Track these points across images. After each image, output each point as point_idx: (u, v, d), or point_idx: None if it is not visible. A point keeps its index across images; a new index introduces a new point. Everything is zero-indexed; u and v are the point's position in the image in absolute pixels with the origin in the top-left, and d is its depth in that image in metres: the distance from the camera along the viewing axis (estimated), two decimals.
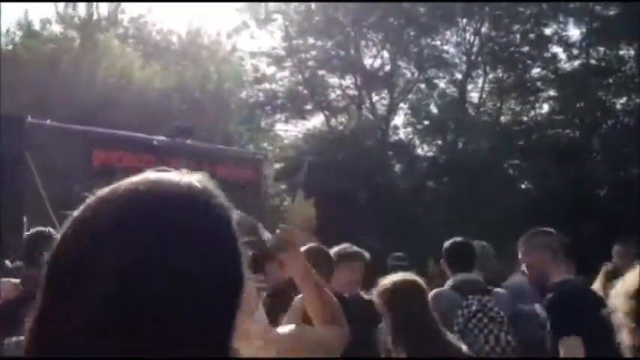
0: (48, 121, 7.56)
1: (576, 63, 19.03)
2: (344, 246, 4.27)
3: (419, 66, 20.22)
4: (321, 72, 20.68)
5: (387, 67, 20.69)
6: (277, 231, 2.05)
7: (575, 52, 19.08)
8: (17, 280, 3.87)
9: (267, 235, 4.19)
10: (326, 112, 20.95)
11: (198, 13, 35.93)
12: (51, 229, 3.86)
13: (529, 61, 19.51)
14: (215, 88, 16.32)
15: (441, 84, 20.71)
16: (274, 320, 2.12)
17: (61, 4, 13.90)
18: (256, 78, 20.90)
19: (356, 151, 18.36)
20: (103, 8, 14.63)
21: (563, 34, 19.09)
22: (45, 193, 6.95)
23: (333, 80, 21.09)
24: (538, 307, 4.02)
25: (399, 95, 20.81)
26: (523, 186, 18.89)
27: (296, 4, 20.10)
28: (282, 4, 20.09)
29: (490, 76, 20.24)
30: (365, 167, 18.68)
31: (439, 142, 19.98)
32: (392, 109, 20.64)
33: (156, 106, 13.24)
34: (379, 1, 18.06)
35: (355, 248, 4.28)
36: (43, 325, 0.76)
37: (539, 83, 19.66)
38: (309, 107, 21.20)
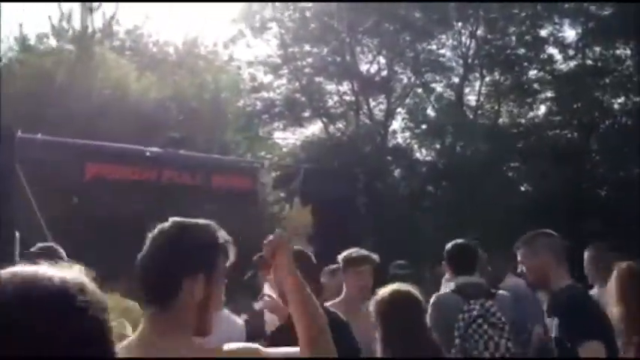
0: (39, 135, 7.56)
1: (572, 64, 19.02)
2: (351, 250, 4.19)
3: (415, 70, 20.24)
4: (317, 79, 20.71)
5: (384, 73, 20.71)
6: (270, 237, 2.01)
7: (572, 52, 19.07)
8: None
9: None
10: (324, 119, 20.97)
11: (194, 24, 36.00)
12: (55, 245, 3.85)
13: (525, 63, 19.51)
14: (212, 98, 16.32)
15: (438, 88, 20.75)
16: None
17: (56, 18, 13.92)
18: (254, 87, 20.94)
19: (354, 157, 18.35)
20: (98, 21, 14.64)
21: (559, 35, 19.10)
22: (37, 207, 6.95)
23: (330, 87, 21.14)
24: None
25: (397, 100, 20.83)
26: (522, 188, 18.86)
27: (291, 11, 20.15)
28: (277, 13, 20.15)
29: (487, 78, 20.24)
30: (364, 173, 18.67)
31: (437, 146, 19.97)
32: (390, 114, 20.66)
33: (152, 116, 13.23)
34: (375, 0, 18.05)
35: (363, 252, 4.18)
36: None
37: (536, 85, 19.65)
38: (306, 114, 21.23)
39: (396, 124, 21.12)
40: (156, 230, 1.70)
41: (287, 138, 22.04)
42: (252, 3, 20.15)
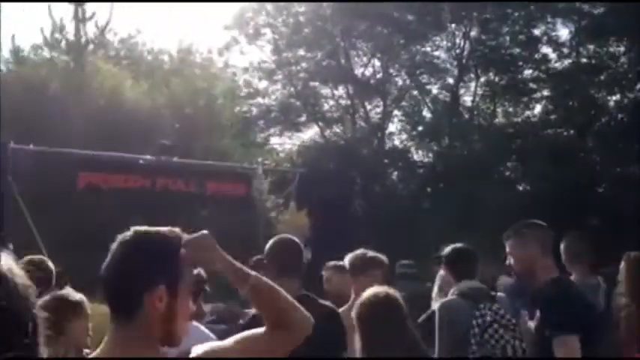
0: (31, 146, 7.57)
1: (567, 62, 19.04)
2: (360, 252, 4.00)
3: (410, 73, 20.26)
4: (312, 83, 20.74)
5: (379, 75, 20.75)
6: (187, 239, 1.78)
7: (566, 51, 19.09)
8: None
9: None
10: (320, 124, 20.99)
11: (188, 32, 36.12)
12: (42, 257, 3.84)
13: (520, 63, 19.52)
14: (208, 105, 16.36)
15: (434, 89, 20.77)
16: None
17: (48, 29, 13.97)
18: (249, 93, 20.98)
19: (352, 161, 18.36)
20: (91, 31, 14.69)
21: (553, 34, 19.11)
22: (30, 217, 6.95)
23: (326, 91, 21.17)
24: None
25: (392, 102, 20.85)
26: (520, 187, 18.84)
27: (284, 17, 20.19)
28: (271, 19, 20.20)
29: (482, 79, 20.25)
30: (361, 176, 18.68)
31: (435, 147, 19.97)
32: (386, 117, 20.67)
33: (147, 124, 13.26)
34: (368, 1, 18.07)
35: (371, 254, 4.03)
36: None
37: (531, 84, 19.65)
38: (302, 119, 21.25)
39: (393, 127, 21.18)
40: (116, 241, 1.64)
41: (284, 143, 22.09)
42: (246, 9, 20.22)
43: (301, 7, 20.02)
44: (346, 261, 4.04)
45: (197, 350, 1.73)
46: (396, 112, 21.01)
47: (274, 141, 21.85)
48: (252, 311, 4.33)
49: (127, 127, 12.28)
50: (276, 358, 1.85)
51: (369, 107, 20.88)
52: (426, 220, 16.35)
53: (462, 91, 20.51)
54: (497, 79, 20.03)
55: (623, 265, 3.84)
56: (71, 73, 13.36)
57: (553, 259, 3.23)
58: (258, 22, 20.36)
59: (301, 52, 20.49)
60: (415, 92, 20.78)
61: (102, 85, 13.42)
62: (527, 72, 19.75)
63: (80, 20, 13.94)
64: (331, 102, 21.38)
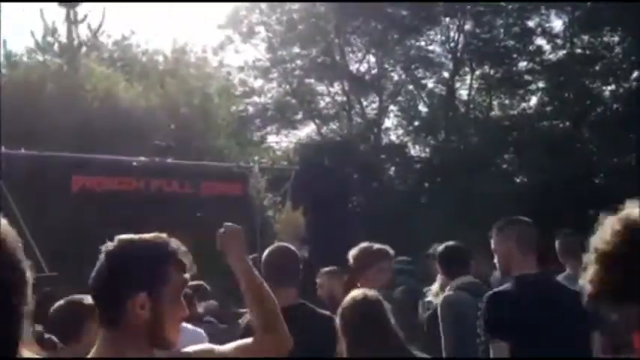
0: (22, 150, 7.56)
1: (561, 53, 19.02)
2: (368, 245, 3.86)
3: (405, 67, 20.24)
4: (308, 81, 20.72)
5: (374, 71, 20.73)
6: (221, 230, 2.03)
7: (560, 42, 19.08)
8: None
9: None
10: (316, 121, 20.97)
11: (182, 32, 36.08)
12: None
13: (515, 55, 19.53)
14: (203, 104, 16.34)
15: (429, 84, 20.75)
16: None
17: (39, 32, 13.93)
18: (245, 92, 20.95)
19: (349, 157, 18.35)
20: (84, 33, 14.66)
21: (547, 25, 19.12)
22: (24, 221, 6.93)
23: (321, 88, 21.14)
24: None
25: (388, 98, 20.83)
26: (517, 179, 18.84)
27: (278, 14, 20.16)
28: (264, 17, 20.16)
29: (477, 72, 20.25)
30: (359, 172, 18.66)
31: (431, 142, 19.96)
32: (382, 113, 20.66)
33: (143, 126, 13.24)
34: (363, 0, 18.04)
35: (377, 246, 3.87)
36: None
37: (526, 76, 19.65)
38: (299, 117, 21.23)
39: (389, 122, 21.16)
40: (101, 250, 1.68)
41: (281, 141, 22.06)
42: (239, 8, 20.18)
43: (295, 5, 19.99)
44: (350, 256, 3.85)
45: (192, 349, 1.80)
46: (392, 107, 21.00)
47: (271, 139, 21.85)
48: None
49: (122, 128, 12.26)
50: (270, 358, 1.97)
51: (364, 103, 20.87)
52: (424, 215, 16.34)
53: (457, 84, 20.51)
54: (492, 71, 20.02)
55: None
56: (64, 75, 13.33)
57: (533, 255, 3.18)
58: (252, 21, 20.33)
59: (296, 49, 20.47)
60: (411, 87, 20.76)
61: (96, 87, 13.38)
62: (522, 64, 19.77)
63: (72, 22, 13.90)
64: (327, 99, 21.37)
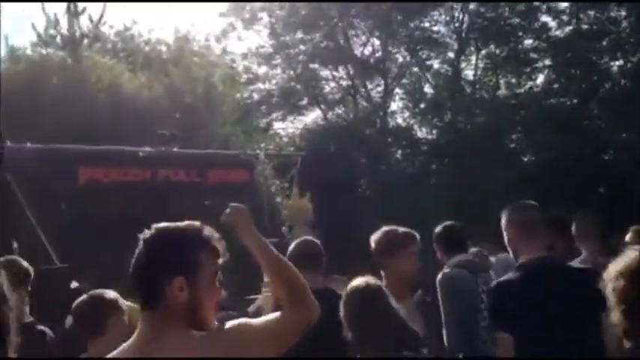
0: (28, 144, 7.56)
1: (567, 29, 18.81)
2: (392, 229, 3.51)
3: (410, 49, 20.09)
4: (312, 66, 20.61)
5: (379, 54, 20.59)
6: (227, 210, 2.05)
7: (565, 18, 18.86)
8: None
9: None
10: (322, 106, 20.89)
11: (184, 20, 35.96)
12: (16, 257, 3.86)
13: (520, 33, 19.32)
14: (207, 92, 16.28)
15: (435, 64, 20.61)
16: None
17: (41, 25, 13.90)
18: (249, 79, 20.88)
19: (355, 141, 18.28)
20: (85, 25, 14.61)
21: (552, 2, 18.86)
22: (32, 214, 6.96)
23: (326, 73, 21.04)
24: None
25: (393, 80, 20.70)
26: (525, 158, 18.73)
27: None
28: (267, 2, 20.01)
29: (483, 51, 20.07)
30: (366, 156, 18.59)
31: (438, 123, 19.84)
32: (387, 96, 20.54)
33: (147, 116, 13.22)
34: None
35: (402, 229, 3.52)
36: None
37: (532, 54, 19.46)
38: (304, 102, 21.16)
39: (395, 105, 21.05)
40: (139, 237, 1.78)
41: (287, 127, 22.02)
42: None
43: None
44: (373, 241, 3.50)
45: (229, 324, 1.84)
46: (397, 90, 20.88)
47: (277, 126, 21.81)
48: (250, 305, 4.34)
49: (127, 119, 12.25)
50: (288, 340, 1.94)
51: (370, 87, 20.76)
52: (433, 196, 16.29)
53: (463, 64, 20.36)
54: (497, 50, 19.85)
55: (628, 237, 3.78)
56: (68, 68, 13.31)
57: (540, 240, 3.13)
58: (254, 7, 20.20)
59: (299, 34, 20.34)
60: (416, 69, 20.62)
61: (100, 78, 13.36)
62: (528, 42, 19.59)
63: (73, 15, 13.86)
64: (332, 83, 21.27)
